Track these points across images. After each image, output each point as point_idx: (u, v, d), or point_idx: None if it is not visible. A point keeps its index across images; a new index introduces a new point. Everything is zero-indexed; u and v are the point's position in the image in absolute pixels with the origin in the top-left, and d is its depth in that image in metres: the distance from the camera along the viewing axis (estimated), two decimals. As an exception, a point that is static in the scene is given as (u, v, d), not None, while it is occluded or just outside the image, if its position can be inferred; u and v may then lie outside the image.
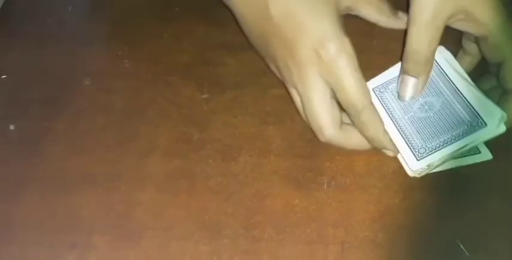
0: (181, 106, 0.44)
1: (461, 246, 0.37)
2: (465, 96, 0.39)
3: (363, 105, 0.37)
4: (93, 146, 0.43)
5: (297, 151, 0.42)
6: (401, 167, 0.40)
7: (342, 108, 0.39)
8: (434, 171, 0.40)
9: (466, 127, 0.38)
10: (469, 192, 0.39)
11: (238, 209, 0.39)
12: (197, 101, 0.45)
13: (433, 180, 0.40)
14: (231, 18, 0.43)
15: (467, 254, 0.37)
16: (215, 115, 0.44)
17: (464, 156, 0.40)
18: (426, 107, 0.40)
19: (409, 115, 0.40)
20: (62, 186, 0.41)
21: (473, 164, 0.40)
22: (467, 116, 0.38)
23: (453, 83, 0.39)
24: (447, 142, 0.38)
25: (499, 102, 0.39)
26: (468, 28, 0.39)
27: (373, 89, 0.42)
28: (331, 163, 0.41)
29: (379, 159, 0.41)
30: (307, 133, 0.41)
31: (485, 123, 0.37)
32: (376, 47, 0.45)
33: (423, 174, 0.40)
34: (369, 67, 0.42)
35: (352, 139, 0.39)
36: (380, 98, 0.41)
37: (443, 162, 0.39)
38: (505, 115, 0.38)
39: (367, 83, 0.42)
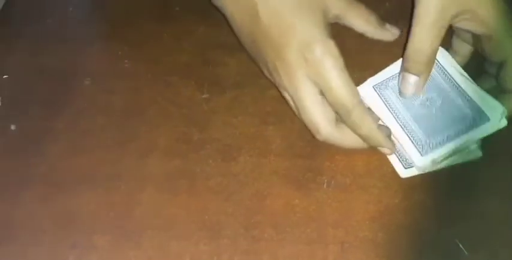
0: (181, 106, 0.44)
1: (461, 246, 0.37)
2: (466, 91, 0.39)
3: (352, 104, 0.38)
4: (93, 146, 0.43)
5: (297, 151, 0.42)
6: (401, 167, 0.41)
7: None
8: (431, 171, 0.40)
9: (469, 122, 0.38)
10: (468, 192, 0.39)
11: (238, 209, 0.39)
12: (197, 101, 0.45)
13: (433, 180, 0.40)
14: (231, 18, 0.43)
15: (467, 254, 0.37)
16: (215, 115, 0.44)
17: (455, 155, 0.40)
18: (428, 103, 0.40)
19: (411, 112, 0.40)
20: (62, 186, 0.41)
21: (473, 164, 0.40)
22: (469, 111, 0.38)
23: (454, 79, 0.40)
24: (451, 137, 0.38)
25: (498, 100, 0.39)
26: (472, 27, 0.39)
27: (373, 86, 0.42)
28: (331, 163, 0.41)
29: (379, 159, 0.41)
30: (307, 133, 0.41)
31: (488, 117, 0.38)
32: (375, 47, 0.45)
33: (427, 170, 0.39)
34: (369, 67, 0.43)
35: (349, 137, 0.39)
36: (381, 95, 0.41)
37: (447, 158, 0.39)
38: (505, 110, 0.38)
39: (368, 81, 0.42)
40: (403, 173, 0.40)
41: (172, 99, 0.45)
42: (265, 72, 0.42)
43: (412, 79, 0.40)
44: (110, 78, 0.47)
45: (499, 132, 0.38)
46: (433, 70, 0.40)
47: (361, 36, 0.44)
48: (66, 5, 0.52)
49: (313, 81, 0.38)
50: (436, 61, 0.40)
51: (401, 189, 0.40)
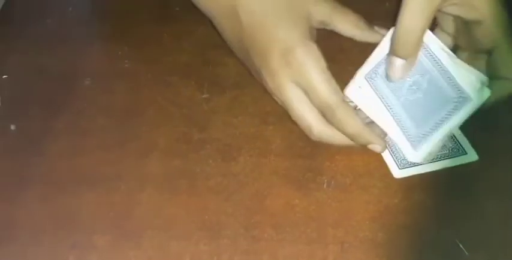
0: (181, 106, 0.44)
1: (461, 246, 0.37)
2: (448, 69, 0.39)
3: (335, 103, 0.38)
4: (93, 146, 0.43)
5: (297, 151, 0.42)
6: (401, 167, 0.41)
7: None
8: (430, 171, 0.40)
9: (453, 104, 0.38)
10: (468, 192, 0.39)
11: (238, 209, 0.39)
12: (197, 101, 0.45)
13: (433, 180, 0.40)
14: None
15: (467, 254, 0.37)
16: (215, 115, 0.44)
17: (450, 158, 0.40)
18: (414, 87, 0.40)
19: (401, 100, 0.40)
20: (62, 186, 0.41)
21: (472, 164, 0.40)
22: (452, 92, 0.38)
23: (437, 57, 0.39)
24: (438, 124, 0.38)
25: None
26: (461, 12, 0.39)
27: (365, 77, 0.41)
28: (331, 163, 0.41)
29: (379, 159, 0.41)
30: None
31: (470, 97, 0.38)
32: (375, 47, 0.45)
33: (426, 160, 0.40)
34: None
35: (341, 135, 0.40)
36: (372, 85, 0.41)
37: (439, 147, 0.39)
38: (485, 79, 0.38)
39: (358, 72, 0.42)
40: (397, 173, 0.40)
41: (172, 99, 0.45)
42: (256, 77, 0.43)
43: (398, 62, 0.39)
44: (110, 78, 0.47)
45: (499, 132, 0.38)
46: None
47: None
48: (66, 5, 0.52)
49: (297, 83, 0.39)
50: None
51: (401, 189, 0.40)
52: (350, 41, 0.45)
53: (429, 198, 0.39)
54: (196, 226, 0.39)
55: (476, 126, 0.40)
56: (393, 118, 0.40)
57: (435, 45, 0.40)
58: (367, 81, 0.41)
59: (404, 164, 0.40)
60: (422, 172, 0.40)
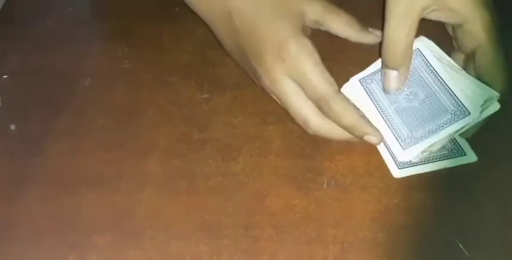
0: (181, 106, 0.44)
1: (461, 246, 0.37)
2: (448, 84, 0.39)
3: (331, 94, 0.39)
4: (93, 146, 0.43)
5: (297, 151, 0.42)
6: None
7: None
8: (429, 171, 0.40)
9: (449, 116, 0.38)
10: (468, 192, 0.39)
11: (238, 209, 0.39)
12: (197, 101, 0.45)
13: (433, 180, 0.40)
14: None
15: (467, 254, 0.37)
16: (215, 115, 0.44)
17: (449, 158, 0.40)
18: (411, 97, 0.40)
19: (394, 105, 0.40)
20: (62, 186, 0.41)
21: (472, 165, 0.40)
22: (450, 105, 0.39)
23: (436, 72, 0.40)
24: (433, 131, 0.38)
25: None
26: (443, 18, 0.40)
27: (359, 80, 0.42)
28: (331, 163, 0.41)
29: (379, 159, 0.41)
30: (307, 133, 0.41)
31: (468, 111, 0.38)
32: (375, 47, 0.45)
33: (419, 157, 0.40)
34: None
35: (338, 128, 0.40)
36: (367, 89, 0.42)
37: (429, 153, 0.40)
38: (494, 94, 0.38)
39: (355, 76, 0.42)
40: (397, 173, 0.40)
41: (172, 99, 0.45)
42: (253, 78, 0.43)
43: (392, 74, 0.40)
44: (110, 78, 0.47)
45: (499, 132, 0.38)
46: (417, 63, 0.40)
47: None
48: (66, 5, 0.52)
49: (292, 77, 0.39)
50: (420, 53, 0.40)
51: (401, 189, 0.40)
52: (350, 41, 0.45)
53: (429, 198, 0.39)
54: (196, 226, 0.39)
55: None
56: (385, 120, 0.40)
57: (433, 57, 0.40)
58: (362, 84, 0.42)
59: (404, 164, 0.40)
60: (421, 172, 0.40)
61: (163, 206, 0.40)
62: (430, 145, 0.39)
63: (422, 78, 0.40)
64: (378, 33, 0.44)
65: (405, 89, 0.40)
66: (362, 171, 0.41)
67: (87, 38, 0.50)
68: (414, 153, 0.39)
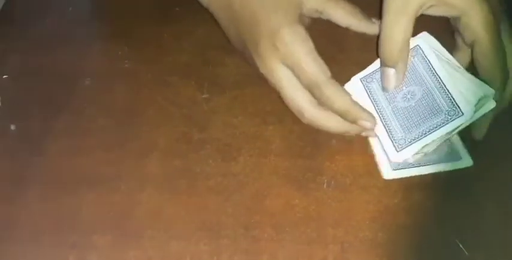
0: (181, 106, 0.44)
1: (461, 246, 0.37)
2: (445, 83, 0.39)
3: (323, 80, 0.39)
4: (93, 146, 0.43)
5: (297, 151, 0.42)
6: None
7: None
8: (422, 174, 0.40)
9: (443, 116, 0.38)
10: (468, 192, 0.39)
11: (238, 209, 0.39)
12: (197, 101, 0.45)
13: (433, 180, 0.40)
14: (231, 18, 0.43)
15: (467, 253, 0.37)
16: (215, 115, 0.44)
17: (444, 162, 0.40)
18: (409, 96, 0.40)
19: (392, 105, 0.40)
20: (62, 186, 0.41)
21: (472, 164, 0.40)
22: (445, 105, 0.39)
23: (434, 70, 0.40)
24: (426, 132, 0.39)
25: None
26: (441, 12, 0.40)
27: (360, 79, 0.42)
28: (331, 163, 0.41)
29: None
30: (307, 133, 0.41)
31: (462, 111, 0.38)
32: (377, 46, 0.45)
33: (416, 157, 0.40)
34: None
35: (333, 117, 0.40)
36: (367, 88, 0.42)
37: (424, 155, 0.40)
38: (490, 92, 0.38)
39: (356, 75, 0.42)
40: (387, 175, 0.40)
41: (172, 99, 0.45)
42: (252, 66, 0.43)
43: (389, 72, 0.40)
44: (110, 78, 0.47)
45: (499, 132, 0.38)
46: (416, 60, 0.40)
47: (362, 35, 0.44)
48: (66, 5, 0.52)
49: (286, 65, 0.40)
50: (420, 50, 0.40)
51: (401, 189, 0.40)
52: (351, 41, 0.45)
53: (429, 198, 0.39)
54: (196, 226, 0.39)
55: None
56: (381, 120, 0.40)
57: (433, 55, 0.40)
58: (363, 83, 0.42)
59: (396, 166, 0.40)
60: (414, 175, 0.40)
61: (163, 206, 0.40)
62: (424, 147, 0.39)
63: (420, 75, 0.40)
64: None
65: (404, 88, 0.40)
66: (362, 171, 0.41)
67: (87, 38, 0.50)
68: (407, 154, 0.39)
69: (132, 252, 0.38)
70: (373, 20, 0.44)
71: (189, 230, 0.39)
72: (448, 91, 0.39)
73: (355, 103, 0.40)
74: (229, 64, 0.46)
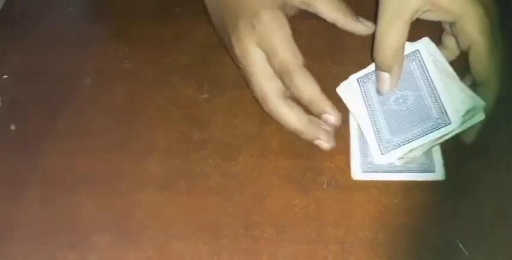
0: (181, 106, 0.44)
1: (461, 246, 0.37)
2: (438, 91, 0.39)
3: (295, 67, 0.39)
4: (93, 146, 0.43)
5: (297, 151, 0.42)
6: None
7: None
8: (391, 180, 0.40)
9: (432, 123, 0.38)
10: (468, 192, 0.39)
11: (238, 209, 0.39)
12: (197, 101, 0.45)
13: (432, 180, 0.40)
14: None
15: (467, 253, 0.37)
16: (215, 115, 0.44)
17: (417, 172, 0.40)
18: (401, 100, 0.40)
19: (384, 108, 0.40)
20: (62, 186, 0.41)
21: (472, 164, 0.40)
22: (435, 112, 0.39)
23: (430, 77, 0.40)
24: (413, 138, 0.39)
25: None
26: (436, 17, 0.40)
27: (357, 79, 0.42)
28: (331, 163, 0.41)
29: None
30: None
31: (450, 120, 0.38)
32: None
33: (403, 160, 0.39)
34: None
35: (295, 113, 0.40)
36: (362, 88, 0.42)
37: (410, 160, 0.39)
38: (480, 104, 0.38)
39: (354, 74, 0.42)
40: (357, 175, 0.40)
41: (172, 99, 0.45)
42: (229, 50, 0.43)
43: (384, 76, 0.40)
44: (110, 78, 0.47)
45: (499, 133, 0.38)
46: (414, 65, 0.40)
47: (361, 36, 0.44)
48: (66, 5, 0.52)
49: (261, 47, 0.40)
50: (419, 55, 0.40)
51: (401, 189, 0.40)
52: (351, 41, 0.45)
53: (429, 198, 0.39)
54: (196, 226, 0.39)
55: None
56: (371, 121, 0.40)
57: (431, 62, 0.40)
58: (359, 83, 0.42)
59: (368, 168, 0.40)
60: (384, 180, 0.40)
61: (163, 206, 0.40)
62: (409, 151, 0.39)
63: (415, 81, 0.40)
64: (368, 24, 0.43)
65: (397, 92, 0.40)
66: (362, 171, 0.41)
67: (87, 38, 0.50)
68: (391, 158, 0.39)
69: (132, 252, 0.38)
70: (361, 19, 0.44)
71: (189, 230, 0.39)
72: (439, 99, 0.39)
73: (323, 95, 0.40)
74: (229, 64, 0.46)
